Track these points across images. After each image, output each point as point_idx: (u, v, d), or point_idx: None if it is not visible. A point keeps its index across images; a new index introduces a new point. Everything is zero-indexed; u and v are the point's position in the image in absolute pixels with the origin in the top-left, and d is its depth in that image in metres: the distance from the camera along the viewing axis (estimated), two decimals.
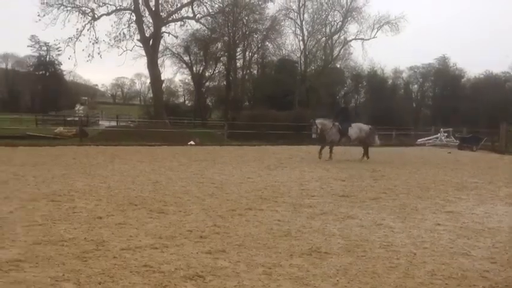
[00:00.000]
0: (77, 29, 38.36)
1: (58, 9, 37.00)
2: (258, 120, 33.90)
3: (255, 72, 61.92)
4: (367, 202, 10.00)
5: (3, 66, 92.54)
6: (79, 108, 62.46)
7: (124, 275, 5.01)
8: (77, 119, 43.57)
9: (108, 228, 7.03)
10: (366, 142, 20.28)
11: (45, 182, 11.38)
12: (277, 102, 45.92)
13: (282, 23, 54.72)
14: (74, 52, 38.73)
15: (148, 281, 4.90)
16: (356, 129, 19.88)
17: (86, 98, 72.25)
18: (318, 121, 19.79)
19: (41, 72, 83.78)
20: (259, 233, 7.04)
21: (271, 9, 61.63)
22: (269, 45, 56.03)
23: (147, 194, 10.11)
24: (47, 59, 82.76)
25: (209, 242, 6.43)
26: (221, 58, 59.54)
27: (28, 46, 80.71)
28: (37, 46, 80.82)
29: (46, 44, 79.41)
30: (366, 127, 20.36)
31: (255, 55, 59.18)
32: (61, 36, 49.71)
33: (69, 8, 37.40)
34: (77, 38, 38.15)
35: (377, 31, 56.29)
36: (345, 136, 19.56)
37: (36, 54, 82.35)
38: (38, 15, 36.60)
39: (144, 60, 40.86)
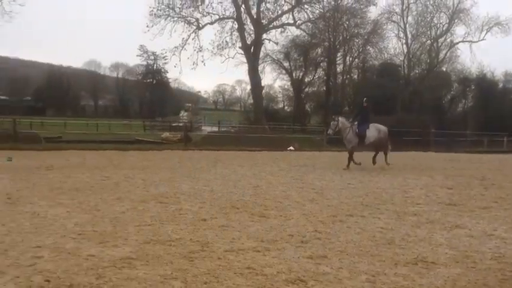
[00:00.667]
0: (183, 38, 40.06)
1: (165, 20, 38.82)
2: None
3: (356, 77, 61.05)
4: (477, 211, 9.49)
5: (115, 75, 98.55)
6: (183, 114, 64.99)
7: (228, 276, 5.13)
8: (181, 124, 45.34)
9: (212, 230, 7.24)
10: (384, 145, 18.21)
11: (153, 185, 11.94)
12: (379, 106, 44.93)
13: (384, 27, 53.61)
14: (180, 60, 40.50)
15: (252, 283, 4.98)
16: (374, 130, 17.82)
17: (190, 104, 75.03)
18: (340, 118, 18.06)
19: (148, 80, 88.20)
20: (362, 240, 6.91)
21: (373, 12, 60.55)
22: (370, 49, 55.09)
23: (249, 198, 10.29)
24: (154, 67, 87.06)
25: (310, 247, 6.42)
26: (321, 63, 59.36)
27: (137, 56, 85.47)
28: (145, 55, 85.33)
29: (153, 53, 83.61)
30: (384, 128, 18.24)
31: (356, 60, 58.39)
32: (167, 46, 51.94)
33: (175, 19, 39.12)
34: (183, 47, 39.79)
35: (486, 33, 53.53)
36: (362, 139, 17.54)
37: (144, 63, 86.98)
38: (147, 26, 38.63)
39: (245, 67, 41.73)
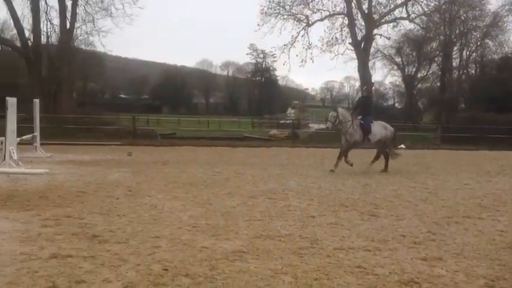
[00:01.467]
0: (292, 35, 40.22)
1: (275, 18, 39.24)
2: (474, 123, 31.61)
3: (473, 72, 57.79)
4: None
5: (225, 73, 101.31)
6: (290, 111, 65.36)
7: (338, 274, 5.09)
8: (289, 122, 45.62)
9: (320, 227, 7.22)
10: (389, 146, 15.21)
11: (262, 181, 12.14)
12: (498, 103, 42.22)
13: (505, 19, 50.12)
14: (289, 58, 40.69)
15: (363, 282, 4.90)
16: (379, 127, 14.99)
17: (297, 102, 75.29)
18: (340, 110, 15.04)
19: (257, 78, 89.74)
20: (480, 243, 6.54)
21: (493, 4, 56.96)
22: (490, 42, 51.80)
23: (358, 196, 10.13)
24: (263, 65, 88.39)
25: (424, 248, 6.18)
26: (435, 58, 56.87)
27: (247, 54, 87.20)
28: (255, 54, 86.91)
29: (263, 51, 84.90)
30: (390, 127, 15.44)
31: (473, 54, 55.21)
32: (276, 44, 52.57)
33: (285, 16, 39.41)
34: (292, 45, 39.98)
35: None
36: (367, 135, 14.64)
37: (253, 61, 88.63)
38: (258, 25, 39.26)
39: (355, 63, 41.09)
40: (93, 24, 33.50)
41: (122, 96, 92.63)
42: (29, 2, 31.66)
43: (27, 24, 32.37)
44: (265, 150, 23.60)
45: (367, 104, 15.30)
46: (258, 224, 7.34)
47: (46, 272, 4.93)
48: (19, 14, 31.91)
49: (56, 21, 33.06)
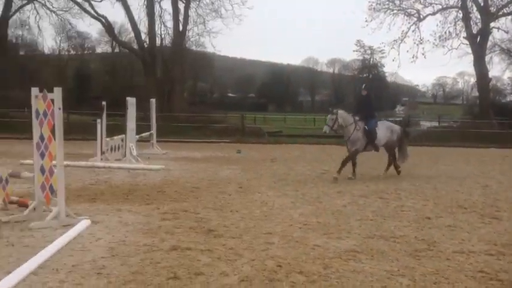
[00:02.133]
0: (402, 31, 38.91)
1: (385, 13, 38.22)
2: None
3: None
4: None
5: (331, 70, 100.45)
6: (400, 109, 63.40)
7: (459, 278, 4.85)
8: (398, 119, 44.26)
9: (438, 229, 6.92)
10: (401, 147, 13.09)
11: (372, 180, 11.89)
12: None
13: None
14: (398, 54, 39.42)
15: (486, 287, 4.64)
16: (384, 129, 12.84)
17: (407, 98, 72.86)
18: (340, 111, 12.41)
19: (364, 75, 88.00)
20: None
21: None
22: None
23: (477, 198, 9.60)
24: (371, 62, 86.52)
25: None
26: None
27: (353, 51, 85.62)
28: (362, 50, 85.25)
29: (370, 47, 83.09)
30: (397, 127, 13.34)
31: None
32: (385, 39, 51.19)
33: (395, 11, 38.26)
34: (402, 40, 38.71)
35: None
36: (373, 141, 12.42)
37: (360, 58, 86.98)
38: (366, 21, 38.46)
39: (469, 58, 38.94)
40: (204, 25, 34.68)
41: (230, 95, 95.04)
42: (144, 6, 33.46)
43: (143, 27, 34.27)
44: None
45: (367, 103, 12.79)
46: (370, 223, 7.20)
47: (168, 263, 5.17)
48: (136, 18, 33.87)
49: (170, 24, 34.66)
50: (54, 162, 6.89)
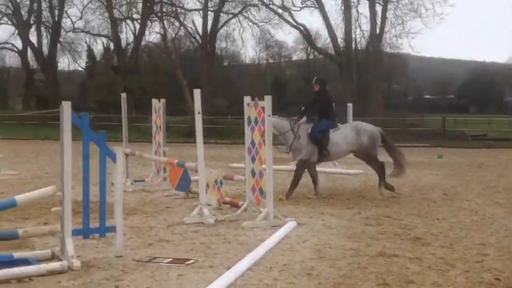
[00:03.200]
0: None
1: None
2: None
3: None
4: None
5: None
6: None
7: None
8: None
9: None
10: (373, 158, 9.80)
11: None
12: None
13: None
14: None
15: None
16: (347, 131, 9.85)
17: None
18: (273, 119, 8.31)
19: None
20: None
21: None
22: None
23: None
24: None
25: None
26: None
27: None
28: None
29: None
30: (370, 127, 9.97)
31: None
32: None
33: None
34: None
35: None
36: (324, 147, 9.52)
37: None
38: None
39: None
40: (402, 26, 33.97)
41: (426, 96, 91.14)
42: (341, 11, 33.94)
43: (339, 32, 34.80)
44: None
45: (323, 103, 9.95)
46: None
47: (375, 268, 5.14)
48: (332, 23, 34.51)
49: (365, 27, 34.65)
50: (263, 166, 7.32)
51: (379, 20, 33.29)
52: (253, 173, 7.46)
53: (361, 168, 13.75)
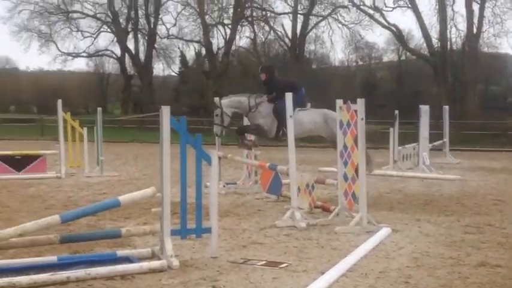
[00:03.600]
0: None
1: None
2: None
3: None
4: None
5: None
6: None
7: None
8: None
9: None
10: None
11: None
12: None
13: None
14: None
15: None
16: (314, 114, 9.46)
17: None
18: (223, 101, 9.40)
19: None
20: None
21: None
22: None
23: None
24: None
25: None
26: None
27: None
28: None
29: None
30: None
31: None
32: None
33: None
34: None
35: None
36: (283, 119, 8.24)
37: None
38: None
39: None
40: (501, 25, 32.37)
41: None
42: (436, 11, 32.81)
43: (433, 32, 33.64)
44: None
45: (272, 90, 9.49)
46: None
47: (477, 279, 4.91)
48: (426, 23, 33.42)
49: (461, 26, 33.31)
50: (355, 170, 7.20)
51: (476, 18, 31.86)
52: (345, 177, 7.35)
53: (459, 173, 13.23)
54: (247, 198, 9.55)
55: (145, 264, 5.13)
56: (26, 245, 5.36)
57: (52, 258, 5.29)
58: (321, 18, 37.53)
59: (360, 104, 7.05)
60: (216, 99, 9.62)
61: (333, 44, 40.77)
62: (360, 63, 57.90)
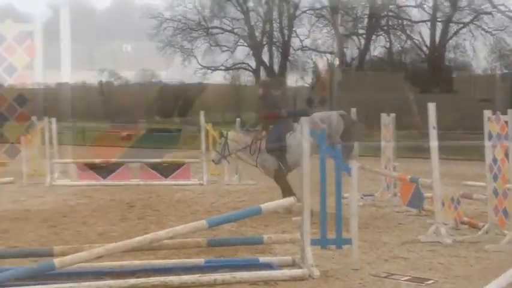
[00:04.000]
0: None
1: None
2: None
3: None
4: None
5: None
6: None
7: None
8: None
9: None
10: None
11: None
12: None
13: None
14: None
15: None
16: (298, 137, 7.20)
17: None
18: (230, 134, 9.46)
19: None
20: None
21: None
22: None
23: None
24: None
25: None
26: None
27: None
28: None
29: None
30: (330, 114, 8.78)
31: None
32: None
33: None
34: None
35: None
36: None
37: None
38: None
39: None
40: None
41: None
42: None
43: None
44: None
45: (267, 106, 9.34)
46: None
47: None
48: None
49: None
50: (508, 185, 6.70)
51: None
52: (495, 192, 6.85)
53: None
54: (387, 211, 9.30)
55: (287, 272, 5.22)
56: (176, 247, 5.69)
57: (199, 261, 5.58)
58: (461, 25, 35.71)
59: (511, 116, 6.56)
60: (224, 132, 9.74)
61: (475, 52, 38.52)
62: (505, 71, 53.91)
